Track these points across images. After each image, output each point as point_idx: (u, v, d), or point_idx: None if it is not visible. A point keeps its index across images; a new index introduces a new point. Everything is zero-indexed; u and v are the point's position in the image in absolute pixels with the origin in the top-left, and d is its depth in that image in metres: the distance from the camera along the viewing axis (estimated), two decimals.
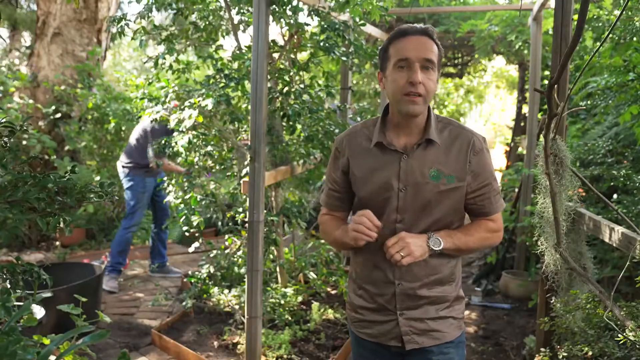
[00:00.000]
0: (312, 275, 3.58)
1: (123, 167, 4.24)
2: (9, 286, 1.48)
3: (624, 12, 2.72)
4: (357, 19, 3.09)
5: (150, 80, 3.30)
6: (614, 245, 1.81)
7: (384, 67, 1.47)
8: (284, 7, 2.75)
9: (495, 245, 1.58)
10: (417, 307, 1.48)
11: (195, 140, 2.93)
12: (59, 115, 5.49)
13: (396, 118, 1.48)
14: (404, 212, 1.46)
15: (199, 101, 2.83)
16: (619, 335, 1.47)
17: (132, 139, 4.25)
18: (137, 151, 4.18)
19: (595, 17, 3.27)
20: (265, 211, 2.75)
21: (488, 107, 12.40)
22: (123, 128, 5.55)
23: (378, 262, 1.50)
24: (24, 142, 4.80)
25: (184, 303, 3.45)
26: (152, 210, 4.51)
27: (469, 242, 1.47)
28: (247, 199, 2.64)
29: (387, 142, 1.48)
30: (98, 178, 5.29)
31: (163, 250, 4.53)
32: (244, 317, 2.85)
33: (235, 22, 3.31)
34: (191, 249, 3.51)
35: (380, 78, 1.50)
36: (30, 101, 5.34)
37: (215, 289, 3.30)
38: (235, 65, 3.02)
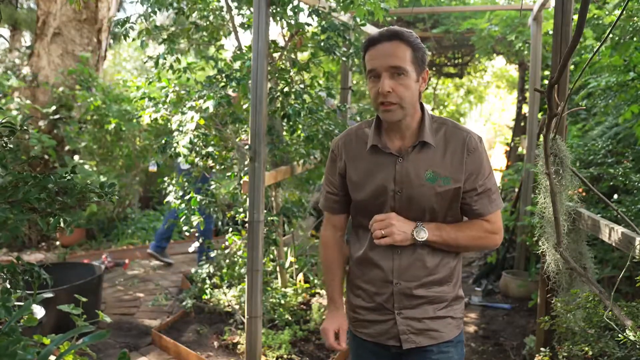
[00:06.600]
0: (312, 275, 3.58)
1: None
2: (9, 286, 1.48)
3: (624, 12, 2.72)
4: (358, 19, 3.09)
5: (150, 80, 3.30)
6: (614, 245, 1.81)
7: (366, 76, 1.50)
8: (285, 8, 2.75)
9: (494, 247, 1.54)
10: (415, 307, 1.49)
11: (196, 140, 2.94)
12: (58, 115, 5.49)
13: (385, 124, 1.49)
14: (400, 214, 1.45)
15: (200, 103, 2.83)
16: (619, 335, 1.47)
17: None
18: None
19: (595, 17, 3.27)
20: (265, 211, 2.75)
21: (488, 107, 12.38)
22: (123, 128, 5.55)
23: (377, 261, 1.50)
24: (25, 142, 4.80)
25: (184, 303, 3.45)
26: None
27: (459, 238, 1.45)
28: (247, 199, 2.64)
29: (382, 145, 1.48)
30: (104, 179, 5.29)
31: (165, 243, 4.74)
32: (244, 317, 2.85)
33: (236, 22, 3.31)
34: (191, 249, 3.50)
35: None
36: (28, 102, 5.34)
37: (216, 290, 3.30)
38: (236, 65, 3.03)
